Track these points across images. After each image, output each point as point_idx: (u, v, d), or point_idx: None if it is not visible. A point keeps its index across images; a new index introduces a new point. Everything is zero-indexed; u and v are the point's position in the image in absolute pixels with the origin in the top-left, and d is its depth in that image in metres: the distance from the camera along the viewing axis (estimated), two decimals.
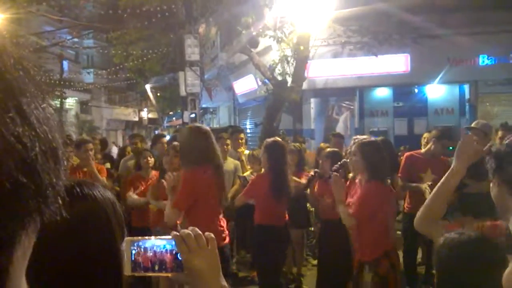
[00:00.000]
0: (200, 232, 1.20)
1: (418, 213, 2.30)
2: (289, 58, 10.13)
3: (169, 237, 1.19)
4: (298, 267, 6.46)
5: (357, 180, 4.09)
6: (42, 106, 0.44)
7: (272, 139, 5.12)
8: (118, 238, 0.94)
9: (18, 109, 0.41)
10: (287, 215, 5.03)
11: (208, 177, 3.95)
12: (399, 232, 6.21)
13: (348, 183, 4.33)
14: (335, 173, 4.06)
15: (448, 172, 2.26)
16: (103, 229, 0.91)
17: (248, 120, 18.13)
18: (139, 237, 1.16)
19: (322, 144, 7.97)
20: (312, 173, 5.52)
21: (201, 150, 3.96)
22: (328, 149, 5.91)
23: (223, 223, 4.14)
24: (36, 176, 0.42)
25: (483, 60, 12.05)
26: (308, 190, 5.60)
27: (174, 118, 29.10)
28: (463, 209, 5.05)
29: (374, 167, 3.86)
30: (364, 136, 4.87)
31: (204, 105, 20.19)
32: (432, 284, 5.27)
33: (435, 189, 2.28)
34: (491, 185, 2.06)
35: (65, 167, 0.46)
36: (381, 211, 3.88)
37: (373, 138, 4.46)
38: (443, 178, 2.27)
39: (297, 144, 7.13)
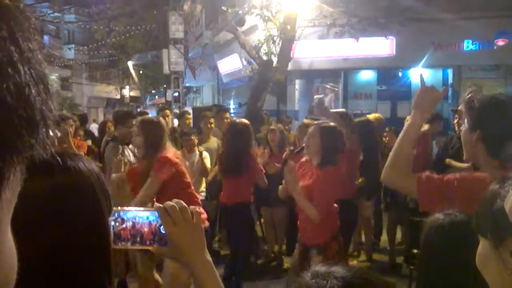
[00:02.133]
0: (185, 204, 1.16)
1: (385, 167, 2.29)
2: (275, 38, 10.04)
3: (152, 208, 1.14)
4: (279, 245, 6.51)
5: (309, 161, 4.01)
6: (31, 37, 0.40)
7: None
8: (105, 211, 0.90)
9: (10, 33, 0.37)
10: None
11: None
12: None
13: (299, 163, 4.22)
14: (290, 161, 3.97)
15: (409, 123, 2.27)
16: (89, 202, 0.86)
17: (232, 100, 18.05)
18: (119, 208, 1.11)
19: (305, 120, 7.95)
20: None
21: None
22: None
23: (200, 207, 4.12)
24: (28, 104, 0.38)
25: (467, 45, 12.11)
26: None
27: (156, 97, 28.85)
28: None
29: (330, 151, 3.85)
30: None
31: (187, 84, 20.02)
32: (412, 264, 5.37)
33: (397, 141, 2.28)
34: (463, 129, 2.10)
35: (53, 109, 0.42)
36: (334, 196, 3.91)
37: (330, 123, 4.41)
38: (403, 130, 2.27)
39: (279, 124, 7.13)
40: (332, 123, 4.26)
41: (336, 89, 13.76)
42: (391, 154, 2.30)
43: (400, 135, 2.29)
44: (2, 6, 0.38)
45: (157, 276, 4.30)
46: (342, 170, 4.07)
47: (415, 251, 6.23)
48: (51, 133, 0.42)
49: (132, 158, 5.15)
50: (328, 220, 3.82)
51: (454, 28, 11.20)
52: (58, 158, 0.83)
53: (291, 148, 5.52)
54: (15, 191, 0.40)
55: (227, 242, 6.05)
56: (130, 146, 5.16)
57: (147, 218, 1.13)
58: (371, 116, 6.98)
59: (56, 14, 23.36)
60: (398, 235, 6.47)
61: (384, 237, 6.61)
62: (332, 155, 3.86)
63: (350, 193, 4.92)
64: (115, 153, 5.13)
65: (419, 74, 2.45)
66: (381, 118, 7.20)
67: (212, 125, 6.82)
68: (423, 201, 2.14)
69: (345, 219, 4.37)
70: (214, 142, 6.63)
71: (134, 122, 4.59)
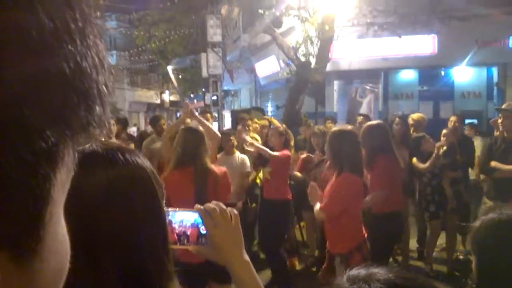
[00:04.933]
0: (224, 206, 1.21)
1: None
2: (313, 39, 9.96)
3: (193, 210, 1.19)
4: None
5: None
6: (87, 9, 0.38)
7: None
8: (162, 204, 0.94)
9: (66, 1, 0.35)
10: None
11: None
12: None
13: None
14: (312, 183, 3.94)
15: None
16: (149, 194, 0.90)
17: (270, 102, 18.02)
18: (166, 208, 1.13)
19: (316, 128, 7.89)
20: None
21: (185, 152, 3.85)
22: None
23: None
24: (85, 76, 0.36)
25: None
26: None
27: (195, 100, 29.13)
28: None
29: (343, 159, 3.71)
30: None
31: (225, 88, 20.13)
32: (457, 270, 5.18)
33: None
34: None
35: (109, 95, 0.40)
36: (352, 204, 3.75)
37: (348, 127, 4.34)
38: None
39: (322, 127, 7.05)
40: (346, 128, 4.19)
41: (376, 89, 13.52)
42: None
43: None
44: None
45: None
46: (362, 179, 3.94)
47: (461, 257, 6.09)
48: (107, 111, 0.40)
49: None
50: (351, 229, 3.74)
51: (498, 24, 10.79)
52: (117, 152, 0.88)
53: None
54: (68, 175, 0.38)
55: None
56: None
57: (190, 219, 1.19)
58: (414, 116, 6.82)
59: (98, 21, 23.94)
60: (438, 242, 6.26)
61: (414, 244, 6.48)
62: (347, 163, 3.71)
63: (396, 204, 4.72)
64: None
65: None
66: (422, 117, 6.95)
67: (250, 128, 6.79)
68: None
69: (387, 231, 4.30)
70: None
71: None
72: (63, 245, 0.39)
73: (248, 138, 5.67)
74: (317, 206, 3.80)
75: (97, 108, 0.38)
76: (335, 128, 4.13)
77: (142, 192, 0.89)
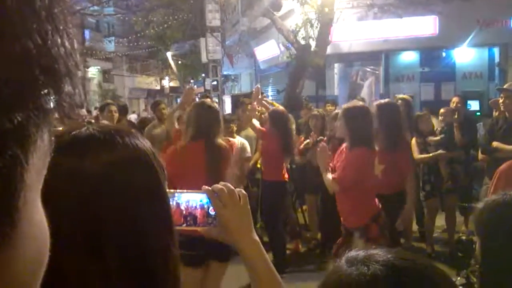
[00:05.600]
0: (232, 187, 1.20)
1: None
2: (313, 21, 9.88)
3: (201, 191, 1.19)
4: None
5: (343, 146, 4.01)
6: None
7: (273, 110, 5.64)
8: (165, 187, 0.91)
9: None
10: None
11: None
12: None
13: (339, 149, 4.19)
14: (323, 143, 4.04)
15: None
16: (150, 177, 0.87)
17: (270, 87, 17.95)
18: (172, 190, 1.12)
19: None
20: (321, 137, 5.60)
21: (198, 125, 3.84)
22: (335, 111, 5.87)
23: None
24: (52, 54, 0.34)
25: None
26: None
27: (195, 86, 29.05)
28: None
29: (356, 133, 3.77)
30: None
31: (225, 72, 20.06)
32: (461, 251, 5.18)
33: None
34: None
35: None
36: (365, 177, 3.80)
37: (360, 103, 4.34)
38: None
39: (321, 110, 7.03)
40: (358, 103, 4.22)
41: (377, 72, 13.44)
42: None
43: None
44: None
45: None
46: (375, 152, 3.97)
47: (463, 237, 6.09)
48: (80, 91, 0.38)
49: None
50: (365, 202, 3.80)
51: (500, 4, 10.69)
52: (116, 134, 0.85)
53: (321, 138, 5.53)
54: (44, 160, 0.37)
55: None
56: None
57: (198, 200, 1.19)
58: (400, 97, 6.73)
59: (95, 7, 23.77)
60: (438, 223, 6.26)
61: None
62: (361, 136, 3.78)
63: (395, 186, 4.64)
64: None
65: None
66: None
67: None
68: None
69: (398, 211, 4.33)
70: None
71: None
72: (42, 231, 0.38)
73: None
74: (329, 176, 3.81)
75: (67, 87, 0.36)
76: (347, 104, 4.18)
77: (142, 174, 0.87)
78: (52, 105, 0.35)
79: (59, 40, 0.35)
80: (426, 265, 0.93)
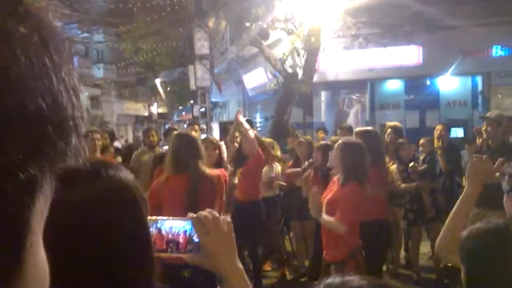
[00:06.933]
0: (217, 214, 1.21)
1: (439, 240, 2.23)
2: (299, 50, 10.05)
3: (185, 218, 1.19)
4: (310, 259, 6.42)
5: (335, 178, 4.06)
6: (62, 48, 0.41)
7: None
8: (146, 219, 0.94)
9: (42, 40, 0.38)
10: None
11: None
12: None
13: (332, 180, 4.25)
14: (314, 189, 4.07)
15: (462, 195, 2.24)
16: (132, 210, 0.90)
17: (258, 113, 18.06)
18: (154, 217, 1.14)
19: (333, 137, 7.91)
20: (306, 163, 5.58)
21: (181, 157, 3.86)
22: (321, 142, 5.96)
23: None
24: (61, 111, 0.38)
25: (496, 51, 11.85)
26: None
27: (183, 113, 29.06)
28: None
29: (351, 169, 3.82)
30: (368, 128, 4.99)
31: (213, 99, 20.14)
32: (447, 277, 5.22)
33: (451, 215, 2.23)
34: None
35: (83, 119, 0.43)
36: (352, 213, 3.84)
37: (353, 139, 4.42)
38: (458, 202, 2.24)
39: (307, 136, 7.11)
40: (355, 139, 4.29)
41: (363, 100, 13.63)
42: (446, 227, 2.23)
43: (455, 208, 2.26)
44: (35, 16, 0.39)
45: None
46: (367, 189, 3.98)
47: (449, 264, 6.13)
48: (83, 141, 0.42)
49: None
50: (346, 236, 3.80)
51: (482, 34, 10.95)
52: (100, 168, 0.88)
53: (311, 161, 5.54)
54: (46, 202, 0.40)
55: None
56: None
57: (181, 227, 1.18)
58: (390, 124, 6.86)
59: (85, 34, 23.90)
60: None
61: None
62: (355, 172, 3.81)
63: (383, 212, 4.79)
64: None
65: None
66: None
67: (237, 138, 6.80)
68: None
69: (378, 239, 4.33)
70: None
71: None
72: (43, 270, 0.41)
73: (245, 124, 5.66)
74: (327, 218, 3.82)
75: (73, 139, 0.40)
76: (343, 139, 4.24)
77: (124, 207, 0.89)
78: (60, 155, 0.39)
79: (67, 97, 0.39)
80: None
